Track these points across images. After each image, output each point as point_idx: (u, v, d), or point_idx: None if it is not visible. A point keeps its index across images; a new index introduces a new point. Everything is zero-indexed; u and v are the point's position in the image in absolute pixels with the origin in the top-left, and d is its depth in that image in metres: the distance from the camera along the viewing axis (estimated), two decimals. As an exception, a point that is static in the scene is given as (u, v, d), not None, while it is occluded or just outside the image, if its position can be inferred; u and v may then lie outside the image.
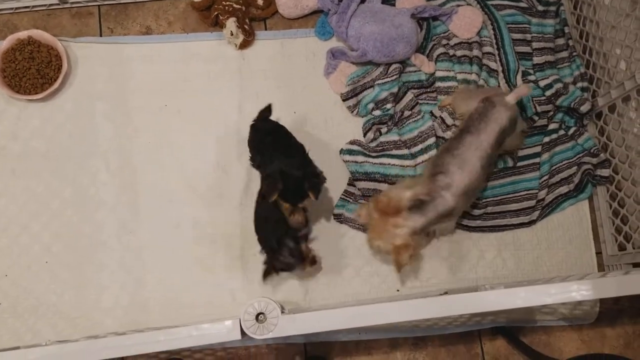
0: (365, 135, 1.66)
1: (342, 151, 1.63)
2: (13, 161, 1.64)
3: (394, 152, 1.62)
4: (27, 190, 1.62)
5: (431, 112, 1.65)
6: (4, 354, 1.01)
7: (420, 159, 1.60)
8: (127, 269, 1.58)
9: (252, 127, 1.50)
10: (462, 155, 1.35)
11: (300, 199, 1.33)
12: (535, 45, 1.69)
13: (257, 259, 1.56)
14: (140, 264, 1.58)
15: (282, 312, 0.98)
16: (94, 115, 1.67)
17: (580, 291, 0.93)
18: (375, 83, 1.66)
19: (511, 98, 1.42)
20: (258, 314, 0.98)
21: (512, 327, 1.57)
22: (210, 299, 1.55)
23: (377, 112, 1.65)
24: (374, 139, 1.64)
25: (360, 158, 1.62)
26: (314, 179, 1.33)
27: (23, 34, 1.67)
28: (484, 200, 1.61)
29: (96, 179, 1.63)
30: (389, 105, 1.64)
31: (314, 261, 1.45)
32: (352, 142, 1.64)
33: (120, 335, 1.01)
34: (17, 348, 1.04)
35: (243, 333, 0.97)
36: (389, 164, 1.61)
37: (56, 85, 1.64)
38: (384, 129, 1.65)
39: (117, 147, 1.65)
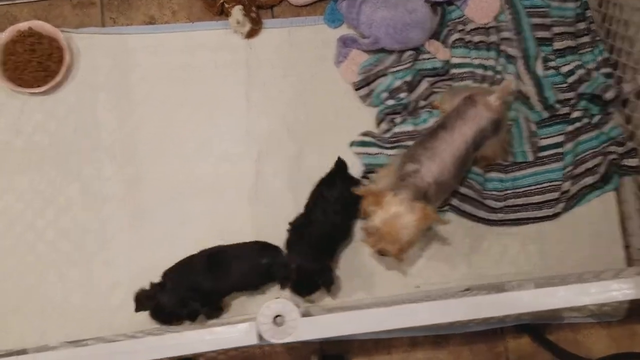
0: (379, 125, 1.61)
1: (353, 143, 1.58)
2: (17, 156, 1.61)
3: (409, 143, 1.56)
4: (31, 187, 1.59)
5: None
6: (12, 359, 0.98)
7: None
8: (135, 265, 1.54)
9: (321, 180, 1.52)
10: (433, 149, 1.32)
11: (312, 292, 1.39)
12: (555, 30, 1.63)
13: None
14: (149, 260, 1.53)
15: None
16: (97, 107, 1.64)
17: (621, 290, 0.88)
18: (389, 71, 1.61)
19: (494, 98, 1.37)
20: (275, 316, 0.93)
21: (537, 325, 1.52)
22: (221, 296, 1.51)
23: (390, 102, 1.60)
24: (388, 129, 1.59)
25: (374, 150, 1.58)
26: (328, 273, 1.41)
27: (23, 26, 1.62)
28: (504, 193, 1.55)
29: (101, 173, 1.60)
30: (403, 95, 1.59)
31: None
32: (364, 134, 1.60)
33: (131, 339, 0.98)
34: (25, 351, 1.01)
35: (259, 337, 0.92)
36: (404, 155, 1.56)
37: (58, 78, 1.60)
38: (398, 119, 1.60)
39: (121, 139, 1.62)
